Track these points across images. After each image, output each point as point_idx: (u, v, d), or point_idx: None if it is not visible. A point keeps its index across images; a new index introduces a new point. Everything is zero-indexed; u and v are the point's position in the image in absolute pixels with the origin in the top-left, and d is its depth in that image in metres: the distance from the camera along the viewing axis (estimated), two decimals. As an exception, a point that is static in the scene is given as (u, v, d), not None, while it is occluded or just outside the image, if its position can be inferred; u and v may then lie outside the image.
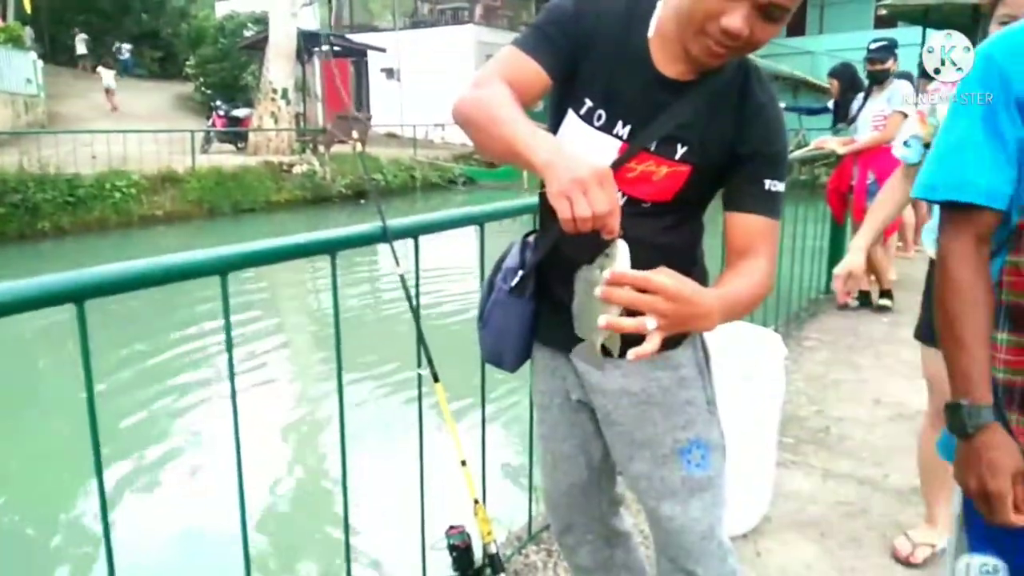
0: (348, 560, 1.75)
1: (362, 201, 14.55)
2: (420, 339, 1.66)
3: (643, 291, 0.97)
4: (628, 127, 1.26)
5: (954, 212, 1.07)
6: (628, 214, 1.23)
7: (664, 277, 0.99)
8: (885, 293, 5.16)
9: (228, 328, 1.39)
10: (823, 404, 3.59)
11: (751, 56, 1.26)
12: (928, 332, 2.11)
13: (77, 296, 1.16)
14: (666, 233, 1.32)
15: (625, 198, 1.27)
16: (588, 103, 1.27)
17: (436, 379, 1.59)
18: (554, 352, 1.46)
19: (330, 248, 1.52)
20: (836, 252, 5.60)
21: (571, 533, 1.59)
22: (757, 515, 2.51)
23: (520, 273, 1.39)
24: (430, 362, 1.64)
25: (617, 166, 1.25)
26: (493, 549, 1.55)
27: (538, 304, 1.44)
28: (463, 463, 1.52)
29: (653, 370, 1.38)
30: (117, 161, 12.62)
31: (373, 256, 8.84)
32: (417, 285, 1.75)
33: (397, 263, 1.56)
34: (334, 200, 14.89)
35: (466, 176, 17.93)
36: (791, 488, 2.77)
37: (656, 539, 1.49)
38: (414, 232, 1.70)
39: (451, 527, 1.61)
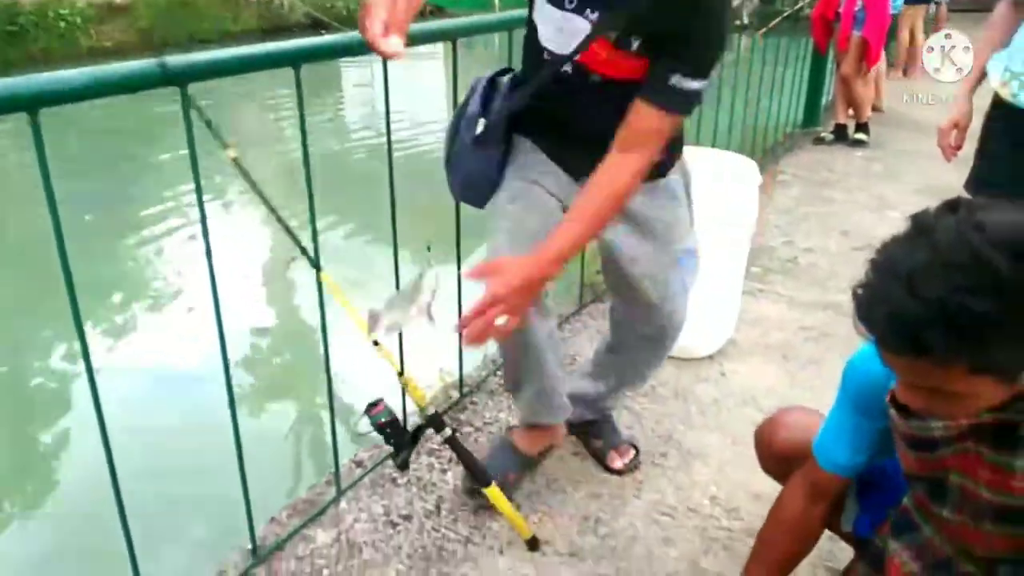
0: (332, 414, 1.80)
1: (323, 31, 13.79)
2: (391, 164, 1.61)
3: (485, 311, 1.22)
4: (596, 12, 1.32)
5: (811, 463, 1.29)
6: (606, 89, 1.39)
7: (495, 288, 1.23)
8: (861, 127, 5.13)
9: (192, 143, 1.33)
10: (793, 235, 3.65)
11: None
12: (978, 186, 1.97)
13: (31, 104, 1.09)
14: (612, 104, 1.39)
15: (601, 77, 1.39)
16: None
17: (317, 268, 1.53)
18: (555, 165, 1.57)
19: (294, 59, 1.43)
20: (815, 85, 5.50)
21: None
22: (723, 339, 2.60)
23: (482, 122, 1.47)
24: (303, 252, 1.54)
25: (584, 47, 1.34)
26: (431, 411, 1.59)
27: (528, 122, 1.54)
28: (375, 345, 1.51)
29: (655, 198, 1.59)
30: (57, -15, 11.71)
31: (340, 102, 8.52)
32: (387, 102, 1.68)
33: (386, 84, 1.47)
34: (293, 31, 14.09)
35: (433, 4, 16.96)
36: (757, 314, 2.86)
37: (644, 324, 1.78)
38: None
39: (371, 405, 1.57)
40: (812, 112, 5.58)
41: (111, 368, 3.39)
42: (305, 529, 1.79)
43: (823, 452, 1.26)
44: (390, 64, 1.39)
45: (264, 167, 6.67)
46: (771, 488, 1.52)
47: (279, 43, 1.41)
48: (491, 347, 2.33)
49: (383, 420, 1.55)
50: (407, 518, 1.83)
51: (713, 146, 3.13)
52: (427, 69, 8.25)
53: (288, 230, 1.47)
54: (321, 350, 1.76)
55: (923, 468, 1.10)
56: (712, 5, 1.30)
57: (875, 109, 5.40)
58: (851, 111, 5.13)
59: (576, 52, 1.35)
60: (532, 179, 1.56)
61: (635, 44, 1.33)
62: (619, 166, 1.36)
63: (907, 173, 4.57)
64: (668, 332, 1.79)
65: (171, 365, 3.37)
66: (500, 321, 1.25)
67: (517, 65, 1.60)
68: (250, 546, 1.70)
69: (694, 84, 1.31)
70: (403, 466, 1.61)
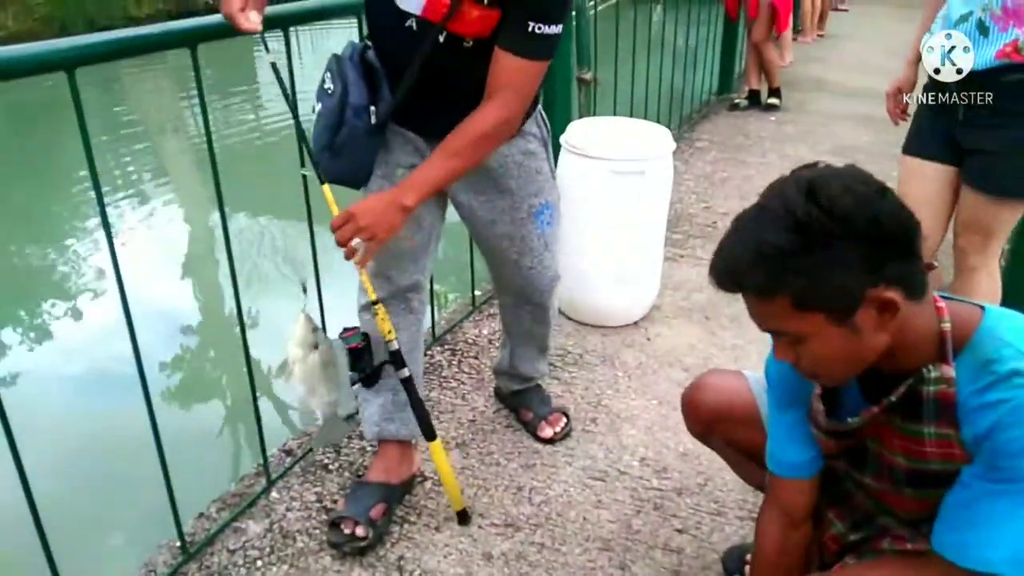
0: (250, 374, 1.77)
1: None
2: (300, 136, 1.57)
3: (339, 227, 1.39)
4: None
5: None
6: (452, 50, 1.42)
7: (351, 208, 1.40)
8: (774, 92, 5.26)
9: (85, 133, 1.27)
10: (711, 201, 3.73)
11: None
12: (914, 145, 2.07)
13: None
14: (482, 67, 1.42)
15: (447, 35, 1.40)
16: None
17: (321, 181, 1.52)
18: (415, 136, 1.59)
19: (190, 39, 1.38)
20: (729, 52, 5.60)
21: (416, 290, 1.73)
22: (647, 305, 2.65)
23: (373, 109, 1.48)
24: (313, 161, 1.56)
25: (456, 6, 1.37)
26: (395, 346, 1.56)
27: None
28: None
29: (508, 147, 1.60)
30: (-61, -29, 10.96)
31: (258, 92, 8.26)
32: (292, 77, 1.64)
33: (267, 50, 1.43)
34: (201, 14, 13.57)
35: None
36: (679, 279, 2.92)
37: (511, 285, 1.84)
38: (285, 21, 1.57)
39: (345, 329, 1.57)
40: (726, 79, 5.69)
41: (22, 369, 3.25)
42: (236, 522, 1.76)
43: (776, 461, 1.22)
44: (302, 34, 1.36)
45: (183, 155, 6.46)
46: (697, 445, 1.57)
47: (173, 23, 1.36)
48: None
49: (354, 344, 1.54)
50: (341, 503, 1.82)
51: (631, 116, 3.16)
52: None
53: (300, 132, 1.56)
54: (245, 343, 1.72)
55: (842, 448, 1.14)
56: None
57: None
58: (763, 76, 5.26)
59: (450, 15, 1.37)
60: (396, 164, 1.61)
61: None
62: (484, 109, 1.43)
63: (819, 135, 4.71)
64: (537, 288, 1.82)
65: (91, 361, 3.24)
66: (356, 243, 1.40)
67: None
68: (179, 543, 1.66)
69: (551, 29, 1.37)
70: (367, 382, 1.60)
